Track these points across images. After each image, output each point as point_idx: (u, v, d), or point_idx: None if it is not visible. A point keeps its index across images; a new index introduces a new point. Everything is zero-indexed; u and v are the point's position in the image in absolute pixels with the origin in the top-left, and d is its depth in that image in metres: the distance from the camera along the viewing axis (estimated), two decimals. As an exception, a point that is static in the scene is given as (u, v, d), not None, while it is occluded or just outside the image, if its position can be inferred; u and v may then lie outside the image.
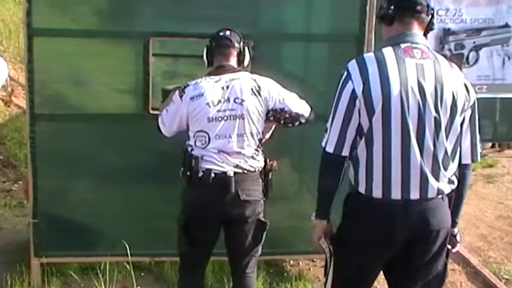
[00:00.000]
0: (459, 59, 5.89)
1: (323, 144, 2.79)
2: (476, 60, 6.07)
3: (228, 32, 3.59)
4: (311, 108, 3.61)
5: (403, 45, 2.73)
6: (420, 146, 2.69)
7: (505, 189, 7.09)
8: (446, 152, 2.73)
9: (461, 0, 6.05)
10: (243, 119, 3.43)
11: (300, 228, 4.29)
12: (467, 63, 6.04)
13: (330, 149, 2.76)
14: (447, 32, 5.97)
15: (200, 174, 3.42)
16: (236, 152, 3.44)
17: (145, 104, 4.24)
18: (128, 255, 3.99)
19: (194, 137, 3.47)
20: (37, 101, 4.19)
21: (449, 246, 2.91)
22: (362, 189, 2.77)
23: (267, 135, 3.66)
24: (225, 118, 3.42)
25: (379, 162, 2.71)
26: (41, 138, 4.22)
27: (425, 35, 2.82)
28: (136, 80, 4.27)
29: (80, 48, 4.19)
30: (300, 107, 3.57)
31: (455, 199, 2.86)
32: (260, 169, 3.55)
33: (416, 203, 2.73)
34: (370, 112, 2.68)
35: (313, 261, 4.89)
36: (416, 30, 2.78)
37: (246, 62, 3.65)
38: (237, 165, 3.45)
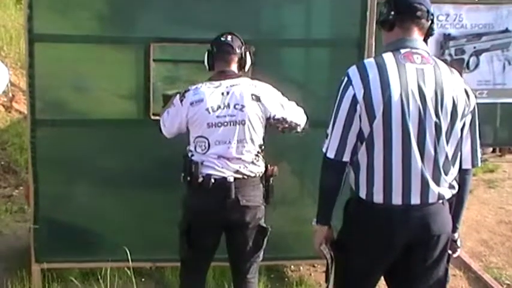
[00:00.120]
0: (459, 64, 5.90)
1: (324, 149, 2.79)
2: (477, 65, 6.08)
3: (229, 37, 3.58)
4: (307, 117, 3.64)
5: (403, 51, 2.74)
6: (421, 151, 2.69)
7: (506, 194, 7.09)
8: (447, 156, 2.74)
9: (462, 5, 6.06)
10: (244, 124, 3.43)
11: (301, 233, 4.28)
12: (468, 68, 6.05)
13: (331, 154, 2.76)
14: (447, 37, 5.98)
15: (200, 179, 3.43)
16: (236, 158, 3.44)
17: (146, 109, 4.25)
18: (128, 261, 3.98)
19: (194, 142, 3.48)
20: (38, 107, 4.20)
21: (450, 252, 2.90)
22: (363, 194, 2.77)
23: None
24: (225, 124, 3.42)
25: (380, 167, 2.71)
26: (42, 143, 4.23)
27: (425, 40, 2.83)
28: (137, 85, 4.28)
29: (80, 54, 4.20)
30: (298, 116, 3.61)
31: (456, 204, 2.85)
32: (261, 174, 3.55)
33: (417, 208, 2.73)
34: (371, 117, 2.68)
35: (314, 266, 4.88)
36: (416, 35, 2.78)
37: (247, 67, 3.66)
38: (237, 171, 3.45)
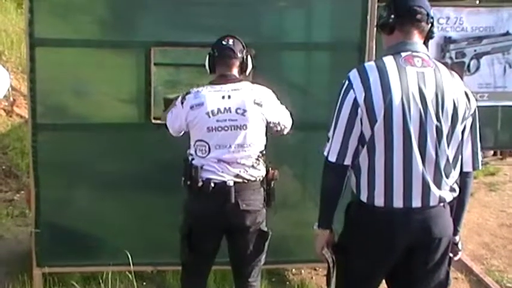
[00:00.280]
0: (460, 67, 5.91)
1: (325, 153, 2.79)
2: (477, 68, 6.09)
3: (231, 41, 3.56)
4: (292, 120, 3.69)
5: (403, 54, 2.74)
6: (422, 154, 2.69)
7: (507, 197, 7.09)
8: (448, 159, 2.73)
9: (462, 8, 6.07)
10: (245, 129, 3.44)
11: (302, 236, 4.28)
12: (469, 71, 6.06)
13: (332, 158, 2.76)
14: (448, 40, 5.99)
15: (200, 183, 3.43)
16: (236, 162, 3.44)
17: (147, 113, 4.25)
18: (130, 265, 3.99)
19: (194, 146, 3.48)
20: (39, 111, 4.20)
21: (451, 255, 2.90)
22: (364, 197, 2.77)
23: None
24: (226, 128, 3.42)
25: (381, 170, 2.71)
26: (43, 147, 4.23)
27: (425, 43, 2.83)
28: (138, 89, 4.28)
29: (81, 58, 4.21)
30: (288, 120, 3.67)
31: (457, 207, 2.85)
32: (261, 178, 3.55)
33: (418, 211, 2.73)
34: (372, 120, 2.68)
35: (315, 270, 4.88)
36: (417, 38, 2.79)
37: (248, 71, 3.66)
38: (237, 175, 3.45)
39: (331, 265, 2.91)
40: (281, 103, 3.62)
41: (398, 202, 2.71)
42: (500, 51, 6.08)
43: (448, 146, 2.72)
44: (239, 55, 3.56)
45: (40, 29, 4.09)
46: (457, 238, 2.94)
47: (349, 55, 4.34)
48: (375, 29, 3.98)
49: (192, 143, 3.51)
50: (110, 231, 4.41)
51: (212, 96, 3.45)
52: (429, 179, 2.71)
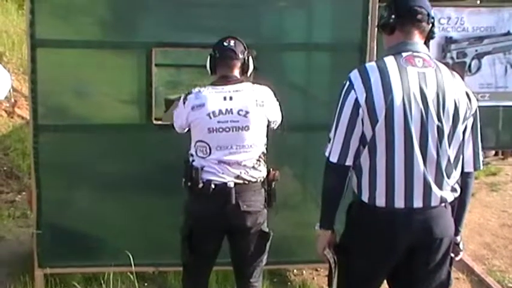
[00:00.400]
0: (461, 67, 5.91)
1: (326, 154, 2.79)
2: (479, 68, 6.09)
3: (232, 43, 3.55)
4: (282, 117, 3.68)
5: (404, 54, 2.74)
6: (423, 154, 2.69)
7: (508, 198, 7.09)
8: (449, 160, 2.74)
9: (463, 8, 6.07)
10: (247, 130, 3.43)
11: (303, 237, 4.28)
12: (470, 71, 6.06)
13: (333, 158, 2.76)
14: (449, 40, 5.99)
15: (200, 185, 3.43)
16: (237, 163, 3.44)
17: (148, 114, 4.25)
18: (131, 265, 3.99)
19: (195, 146, 3.48)
20: (40, 112, 4.20)
21: (452, 255, 2.90)
22: (365, 198, 2.77)
23: None
24: (227, 129, 3.41)
25: (383, 170, 2.71)
26: (45, 148, 4.24)
27: (425, 43, 2.83)
28: (139, 90, 4.28)
29: (83, 59, 4.22)
30: (280, 115, 3.65)
31: (458, 207, 2.85)
32: (262, 179, 3.54)
33: (420, 211, 2.73)
34: (374, 121, 2.68)
35: (317, 270, 4.88)
36: (417, 38, 2.79)
37: (249, 73, 3.65)
38: (238, 176, 3.44)
39: (332, 266, 2.91)
40: (279, 102, 3.62)
41: (399, 202, 2.71)
42: (501, 51, 6.08)
43: (449, 146, 2.72)
44: (240, 56, 3.55)
45: (41, 30, 4.09)
46: (458, 238, 2.94)
47: (350, 56, 4.34)
48: (376, 29, 3.99)
49: (192, 143, 3.51)
50: (111, 232, 4.41)
51: (213, 97, 3.44)
52: (430, 179, 2.71)
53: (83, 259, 4.39)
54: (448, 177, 2.75)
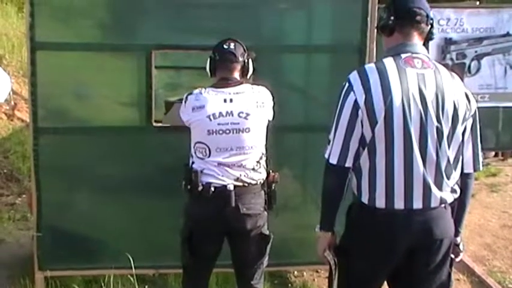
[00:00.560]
0: (461, 69, 5.92)
1: (326, 155, 2.79)
2: (478, 70, 6.09)
3: (232, 45, 3.54)
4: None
5: (403, 55, 2.74)
6: (423, 155, 2.69)
7: (508, 198, 7.09)
8: (448, 161, 2.74)
9: (462, 9, 6.08)
10: (247, 132, 3.43)
11: (304, 239, 4.28)
12: (469, 72, 6.07)
13: (333, 160, 2.76)
14: (449, 42, 6.00)
15: (200, 188, 3.42)
16: (237, 165, 3.44)
17: (148, 116, 4.25)
18: (131, 268, 3.99)
19: (194, 147, 3.48)
20: (40, 115, 4.20)
21: (452, 256, 2.90)
22: (365, 199, 2.77)
23: None
24: (227, 131, 3.41)
25: (382, 172, 2.71)
26: (45, 151, 4.23)
27: (424, 44, 2.83)
28: (138, 92, 4.28)
29: (82, 62, 4.21)
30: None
31: (458, 208, 2.85)
32: (262, 181, 3.54)
33: (419, 212, 2.73)
34: (373, 122, 2.68)
35: (317, 272, 4.89)
36: (416, 40, 2.79)
37: (249, 75, 3.65)
38: (238, 178, 3.44)
39: (333, 267, 2.91)
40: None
41: (399, 203, 2.71)
42: (500, 52, 6.09)
43: (449, 147, 2.73)
44: (240, 59, 3.54)
45: (41, 32, 4.09)
46: (458, 239, 2.94)
47: (349, 57, 4.34)
48: (375, 30, 3.99)
49: (192, 144, 3.50)
50: (112, 235, 4.41)
51: (214, 99, 3.44)
52: (430, 180, 2.71)
53: (83, 261, 4.38)
54: (448, 178, 2.75)
